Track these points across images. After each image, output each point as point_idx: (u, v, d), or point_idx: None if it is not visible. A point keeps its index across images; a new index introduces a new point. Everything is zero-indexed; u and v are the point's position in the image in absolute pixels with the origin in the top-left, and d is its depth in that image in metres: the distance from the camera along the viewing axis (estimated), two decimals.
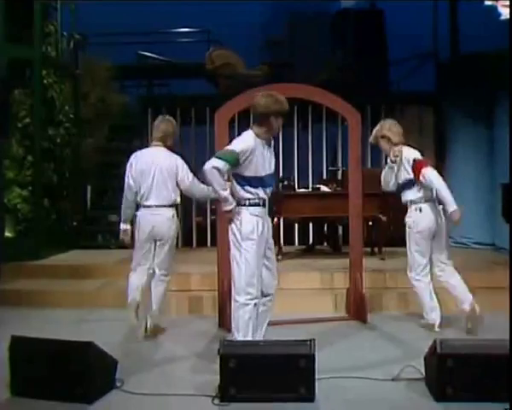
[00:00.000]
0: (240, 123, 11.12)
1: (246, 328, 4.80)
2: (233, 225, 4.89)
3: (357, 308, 6.62)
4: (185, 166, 6.12)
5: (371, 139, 6.46)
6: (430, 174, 5.99)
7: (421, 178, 5.97)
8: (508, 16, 11.08)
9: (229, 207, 4.85)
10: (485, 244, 9.89)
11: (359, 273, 6.68)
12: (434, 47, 11.48)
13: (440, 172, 10.71)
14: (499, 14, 11.33)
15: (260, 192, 4.92)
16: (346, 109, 6.69)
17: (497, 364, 4.29)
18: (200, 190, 6.07)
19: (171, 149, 6.17)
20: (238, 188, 4.90)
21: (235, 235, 4.89)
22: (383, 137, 6.27)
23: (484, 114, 9.89)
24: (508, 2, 10.70)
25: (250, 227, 4.86)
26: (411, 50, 11.84)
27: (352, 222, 6.73)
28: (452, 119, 10.53)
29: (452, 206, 5.95)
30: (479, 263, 8.59)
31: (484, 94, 9.86)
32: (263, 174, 4.91)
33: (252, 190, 4.89)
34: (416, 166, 6.03)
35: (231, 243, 4.94)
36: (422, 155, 6.26)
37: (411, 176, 6.06)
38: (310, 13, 13.90)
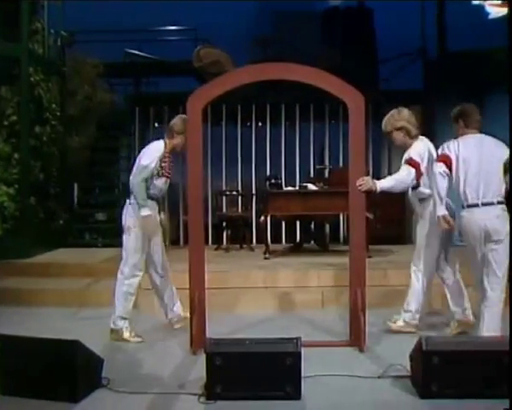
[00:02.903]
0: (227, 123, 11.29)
1: None
2: None
3: (354, 331, 5.64)
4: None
5: (384, 128, 6.01)
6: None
7: None
8: (496, 15, 11.17)
9: None
10: None
11: (360, 289, 5.58)
12: (422, 45, 11.52)
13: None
14: (487, 13, 11.40)
15: None
16: (345, 91, 5.61)
17: (482, 361, 4.33)
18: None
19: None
20: None
21: None
22: (400, 128, 5.93)
23: None
24: (496, 2, 10.78)
25: None
26: (400, 49, 11.88)
27: (353, 228, 5.68)
28: (440, 117, 10.56)
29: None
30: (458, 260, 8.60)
31: (471, 92, 9.89)
32: None
33: None
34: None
35: None
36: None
37: None
38: (298, 11, 13.94)
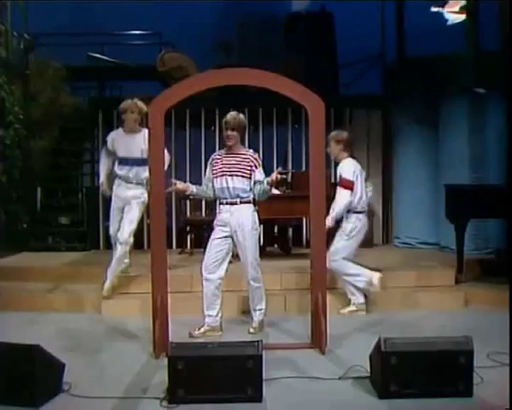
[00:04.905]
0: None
1: None
2: None
3: (315, 334, 5.76)
4: None
5: None
6: None
7: None
8: (454, 21, 11.37)
9: None
10: (430, 244, 10.10)
11: (321, 292, 5.74)
12: (382, 51, 11.65)
13: (388, 174, 11.08)
14: (445, 20, 11.60)
15: None
16: (306, 96, 5.76)
17: (440, 361, 4.45)
18: None
19: None
20: None
21: None
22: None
23: (429, 116, 10.08)
24: (453, 9, 10.96)
25: None
26: (360, 54, 12.00)
27: (314, 232, 5.84)
28: (399, 121, 10.72)
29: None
30: (418, 263, 8.80)
31: (429, 97, 10.05)
32: None
33: None
34: None
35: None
36: None
37: None
38: (261, 16, 14.02)
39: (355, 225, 6.93)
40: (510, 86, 7.71)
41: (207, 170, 6.26)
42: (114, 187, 7.47)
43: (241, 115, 6.17)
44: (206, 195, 6.32)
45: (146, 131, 6.78)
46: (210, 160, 6.27)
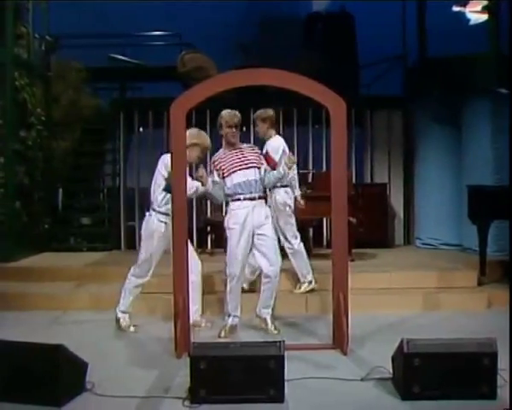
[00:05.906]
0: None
1: None
2: None
3: (337, 335, 5.72)
4: None
5: None
6: None
7: None
8: (477, 21, 11.26)
9: None
10: (452, 245, 10.04)
11: (343, 293, 5.68)
12: (403, 51, 11.62)
13: (410, 175, 11.02)
14: (468, 20, 11.50)
15: None
16: (326, 96, 5.69)
17: (463, 362, 4.41)
18: None
19: None
20: None
21: None
22: None
23: (451, 117, 10.04)
24: (476, 8, 10.87)
25: None
26: (381, 54, 11.97)
27: (336, 233, 5.79)
28: (420, 122, 10.67)
29: None
30: (440, 264, 8.74)
31: (451, 98, 10.00)
32: None
33: None
34: None
35: None
36: None
37: None
38: (281, 16, 14.01)
39: (284, 198, 7.17)
40: (511, 86, 7.65)
41: (213, 174, 6.19)
42: (162, 227, 6.30)
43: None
44: (217, 195, 6.26)
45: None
46: (212, 162, 6.26)
